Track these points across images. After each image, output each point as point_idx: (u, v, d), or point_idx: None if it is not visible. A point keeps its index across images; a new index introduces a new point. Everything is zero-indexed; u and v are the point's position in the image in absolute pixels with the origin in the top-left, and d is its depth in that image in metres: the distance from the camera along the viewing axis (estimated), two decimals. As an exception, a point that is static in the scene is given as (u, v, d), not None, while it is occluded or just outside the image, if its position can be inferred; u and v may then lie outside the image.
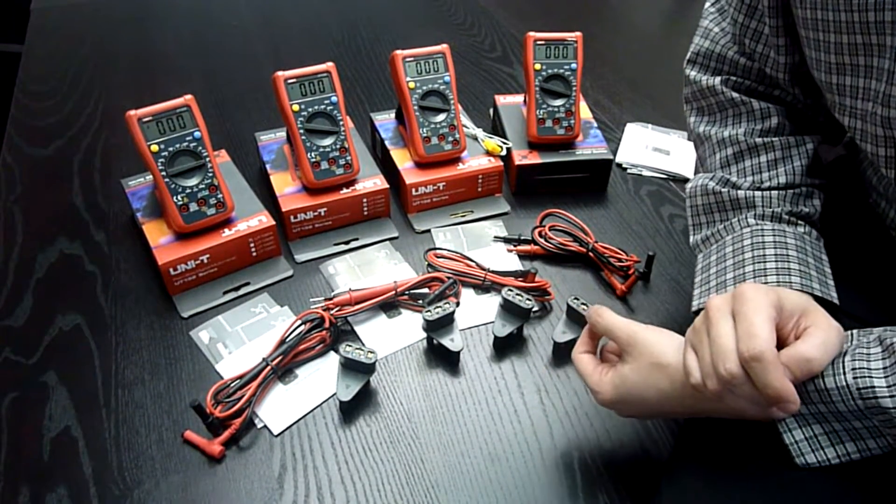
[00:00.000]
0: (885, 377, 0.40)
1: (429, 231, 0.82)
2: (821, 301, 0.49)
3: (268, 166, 0.82)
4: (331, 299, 0.68)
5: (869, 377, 0.41)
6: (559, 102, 0.86)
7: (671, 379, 0.47)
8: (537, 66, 0.84)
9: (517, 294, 0.67)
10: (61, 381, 0.63)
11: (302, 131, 0.76)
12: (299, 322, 0.65)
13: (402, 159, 0.84)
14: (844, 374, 0.41)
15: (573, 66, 0.85)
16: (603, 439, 0.60)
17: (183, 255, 0.69)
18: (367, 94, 1.09)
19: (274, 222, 0.74)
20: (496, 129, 0.93)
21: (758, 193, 0.57)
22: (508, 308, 0.68)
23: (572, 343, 0.67)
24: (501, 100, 0.94)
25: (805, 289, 0.50)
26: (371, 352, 0.61)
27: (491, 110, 0.96)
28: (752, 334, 0.41)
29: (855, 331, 0.46)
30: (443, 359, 0.67)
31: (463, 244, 0.80)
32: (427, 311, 0.65)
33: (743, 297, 0.43)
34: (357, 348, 0.61)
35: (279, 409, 0.62)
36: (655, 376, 0.48)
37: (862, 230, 0.61)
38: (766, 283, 0.51)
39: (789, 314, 0.44)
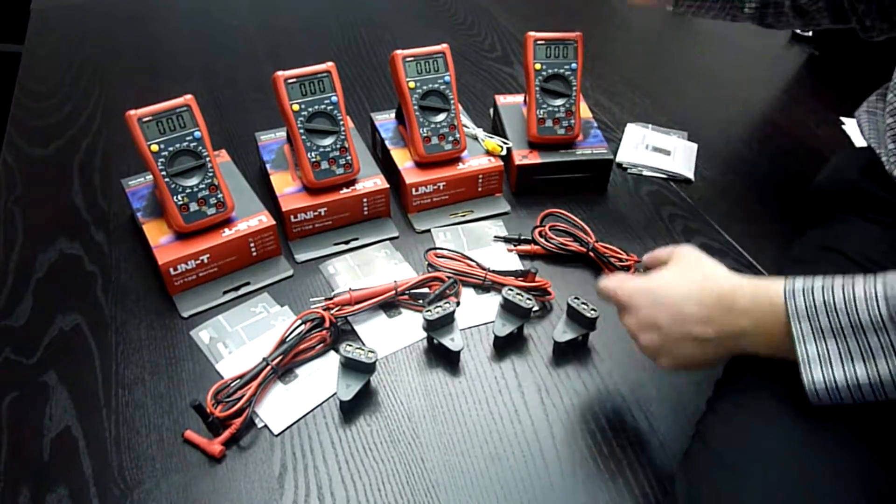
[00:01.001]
0: None
1: (429, 231, 0.82)
2: None
3: (268, 166, 0.82)
4: (331, 299, 0.68)
5: None
6: (559, 102, 0.85)
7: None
8: (537, 66, 0.84)
9: (517, 294, 0.67)
10: (61, 381, 0.63)
11: (302, 131, 0.75)
12: (299, 322, 0.65)
13: (403, 159, 0.84)
14: (875, 284, 0.43)
15: (573, 65, 0.85)
16: (604, 440, 0.60)
17: (183, 255, 0.69)
18: (367, 94, 1.09)
19: (274, 222, 0.74)
20: (496, 128, 0.93)
21: None
22: (509, 308, 0.68)
23: (572, 343, 0.67)
24: (502, 99, 0.94)
25: None
26: (371, 351, 0.61)
27: (491, 110, 0.96)
28: None
29: None
30: (443, 358, 0.67)
31: (463, 244, 0.80)
32: (427, 311, 0.65)
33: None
34: (357, 348, 0.61)
35: (279, 408, 0.62)
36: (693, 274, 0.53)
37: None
38: None
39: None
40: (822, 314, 0.45)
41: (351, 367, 0.62)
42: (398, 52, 0.80)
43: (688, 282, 0.53)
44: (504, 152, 0.86)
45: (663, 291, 0.53)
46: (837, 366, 0.44)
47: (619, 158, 0.96)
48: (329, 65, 0.76)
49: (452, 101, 0.83)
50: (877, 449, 0.46)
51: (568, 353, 0.68)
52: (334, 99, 0.76)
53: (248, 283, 0.74)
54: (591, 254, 0.77)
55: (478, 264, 0.75)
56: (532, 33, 0.83)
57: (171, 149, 0.69)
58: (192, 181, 0.70)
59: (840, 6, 0.79)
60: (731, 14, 0.85)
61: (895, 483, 0.45)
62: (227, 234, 0.72)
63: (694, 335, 0.50)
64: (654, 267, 0.58)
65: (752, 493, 0.45)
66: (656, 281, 0.54)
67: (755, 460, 0.47)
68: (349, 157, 0.78)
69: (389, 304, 0.72)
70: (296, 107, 0.75)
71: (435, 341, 0.66)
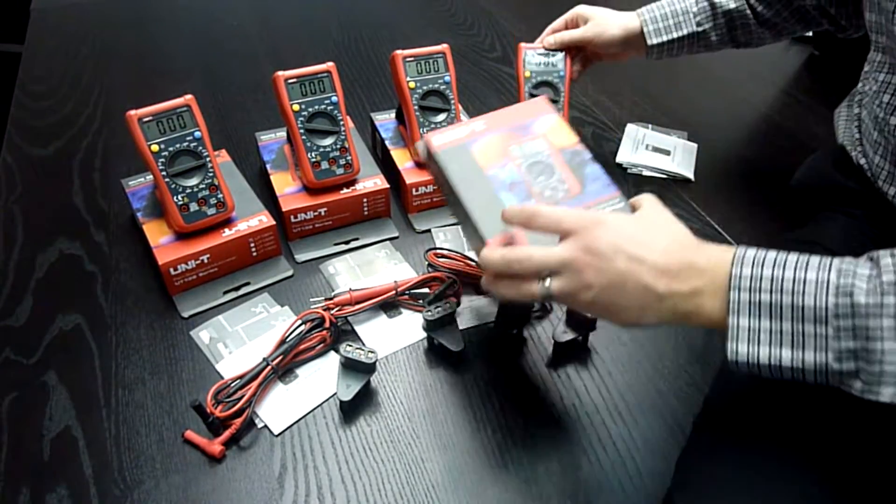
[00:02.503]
0: (867, 280, 0.41)
1: (429, 231, 0.82)
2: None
3: (268, 166, 0.82)
4: (331, 299, 0.68)
5: (852, 277, 0.41)
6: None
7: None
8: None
9: (357, 349, 0.64)
10: (61, 381, 0.63)
11: (302, 131, 0.75)
12: (299, 322, 0.65)
13: (403, 159, 0.84)
14: (829, 272, 0.42)
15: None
16: (605, 439, 0.60)
17: (183, 255, 0.69)
18: (367, 94, 1.09)
19: (274, 222, 0.74)
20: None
21: None
22: (509, 308, 0.68)
23: (572, 343, 0.67)
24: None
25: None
26: (371, 351, 0.61)
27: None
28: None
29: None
30: (443, 359, 0.67)
31: (463, 244, 0.80)
32: (427, 311, 0.65)
33: None
34: (357, 348, 0.61)
35: (279, 408, 0.62)
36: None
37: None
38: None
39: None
40: (766, 290, 0.43)
41: (351, 367, 0.62)
42: (398, 52, 0.80)
43: (654, 224, 0.49)
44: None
45: (625, 227, 0.48)
46: (764, 346, 0.43)
47: (619, 158, 0.96)
48: (329, 65, 0.76)
49: (452, 101, 0.83)
50: (848, 485, 0.45)
51: (568, 353, 0.68)
52: (334, 99, 0.76)
53: (248, 284, 0.74)
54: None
55: (477, 264, 0.75)
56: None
57: (171, 149, 0.69)
58: (192, 181, 0.70)
59: (806, 13, 0.81)
60: (703, 46, 0.87)
61: None
62: (228, 234, 0.72)
63: (644, 283, 0.46)
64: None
65: None
66: (616, 217, 0.49)
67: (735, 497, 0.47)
68: (349, 157, 0.78)
69: (389, 304, 0.72)
70: (296, 107, 0.75)
71: (435, 341, 0.66)
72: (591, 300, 0.47)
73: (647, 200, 0.53)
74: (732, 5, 0.82)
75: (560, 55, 0.88)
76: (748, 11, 0.82)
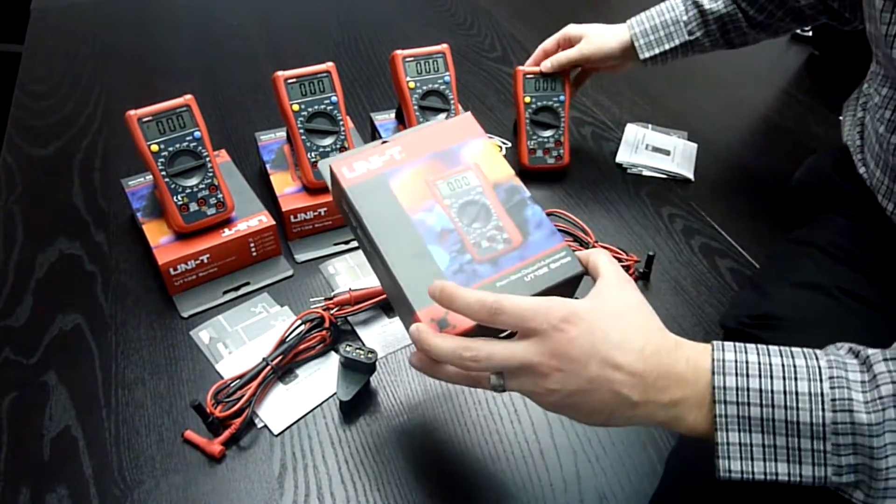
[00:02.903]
0: (863, 392, 0.38)
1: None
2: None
3: (268, 166, 0.82)
4: (331, 299, 0.68)
5: (847, 388, 0.38)
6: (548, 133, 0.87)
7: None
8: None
9: (357, 350, 0.63)
10: (61, 381, 0.63)
11: (302, 131, 0.75)
12: (299, 322, 0.65)
13: (402, 159, 0.84)
14: (821, 381, 0.39)
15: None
16: (604, 439, 0.60)
17: (183, 255, 0.69)
18: (367, 94, 1.09)
19: (274, 222, 0.74)
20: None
21: None
22: (349, 366, 0.63)
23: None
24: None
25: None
26: (371, 352, 0.61)
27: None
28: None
29: (831, 348, 0.43)
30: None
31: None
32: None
33: None
34: (357, 348, 0.61)
35: (279, 408, 0.62)
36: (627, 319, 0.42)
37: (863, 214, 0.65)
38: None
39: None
40: (756, 404, 0.39)
41: (351, 367, 0.62)
42: (398, 52, 0.80)
43: (626, 313, 0.43)
44: (504, 152, 0.86)
45: (598, 324, 0.42)
46: (759, 462, 0.39)
47: (618, 158, 0.96)
48: (329, 65, 0.76)
49: (452, 102, 0.83)
50: None
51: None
52: (334, 99, 0.76)
53: (248, 283, 0.74)
54: (590, 254, 0.77)
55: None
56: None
57: (171, 149, 0.69)
58: (192, 181, 0.70)
59: (800, 12, 0.81)
60: (698, 51, 0.86)
61: None
62: (227, 234, 0.72)
63: (617, 390, 0.41)
64: None
65: None
66: (588, 310, 0.42)
67: None
68: (349, 157, 0.78)
69: (389, 304, 0.72)
70: (296, 107, 0.75)
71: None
72: (552, 403, 0.43)
73: (605, 267, 0.46)
74: (723, 10, 0.82)
75: (559, 79, 0.88)
76: (739, 15, 0.82)
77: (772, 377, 0.40)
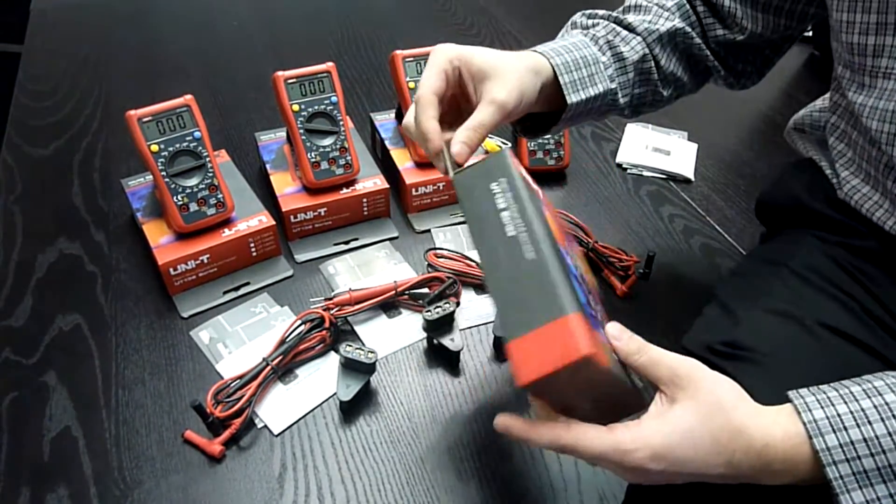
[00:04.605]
0: None
1: (429, 231, 0.82)
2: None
3: (268, 166, 0.82)
4: (331, 299, 0.68)
5: None
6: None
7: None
8: (295, 107, 0.74)
9: (357, 349, 0.63)
10: (61, 381, 0.63)
11: (302, 131, 0.75)
12: (299, 322, 0.65)
13: (402, 159, 0.84)
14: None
15: (333, 99, 0.76)
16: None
17: (183, 255, 0.69)
18: (367, 94, 1.09)
19: (274, 222, 0.74)
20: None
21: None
22: (350, 366, 0.63)
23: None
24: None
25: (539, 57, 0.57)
26: (371, 352, 0.61)
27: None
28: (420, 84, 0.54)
29: (848, 382, 0.42)
30: (443, 359, 0.67)
31: (463, 244, 0.80)
32: (427, 311, 0.65)
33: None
34: (357, 348, 0.61)
35: (279, 408, 0.62)
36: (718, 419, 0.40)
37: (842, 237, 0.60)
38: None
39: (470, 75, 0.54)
40: (866, 455, 0.38)
41: (351, 367, 0.62)
42: (398, 52, 0.80)
43: (712, 442, 0.40)
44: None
45: (678, 454, 0.40)
46: None
47: (619, 158, 0.96)
48: (329, 65, 0.76)
49: (452, 102, 0.82)
50: None
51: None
52: (334, 99, 0.76)
53: (248, 284, 0.74)
54: (590, 254, 0.77)
55: (477, 264, 0.75)
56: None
57: (171, 149, 0.69)
58: (192, 181, 0.70)
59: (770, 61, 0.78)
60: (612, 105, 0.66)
61: None
62: (227, 234, 0.72)
63: (710, 477, 0.41)
64: (648, 379, 0.43)
65: None
66: (665, 438, 0.40)
67: None
68: (349, 157, 0.78)
69: (389, 304, 0.72)
70: (296, 107, 0.75)
71: (435, 341, 0.66)
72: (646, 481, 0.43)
73: (694, 387, 0.41)
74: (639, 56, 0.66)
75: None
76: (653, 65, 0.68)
77: (870, 422, 0.39)
